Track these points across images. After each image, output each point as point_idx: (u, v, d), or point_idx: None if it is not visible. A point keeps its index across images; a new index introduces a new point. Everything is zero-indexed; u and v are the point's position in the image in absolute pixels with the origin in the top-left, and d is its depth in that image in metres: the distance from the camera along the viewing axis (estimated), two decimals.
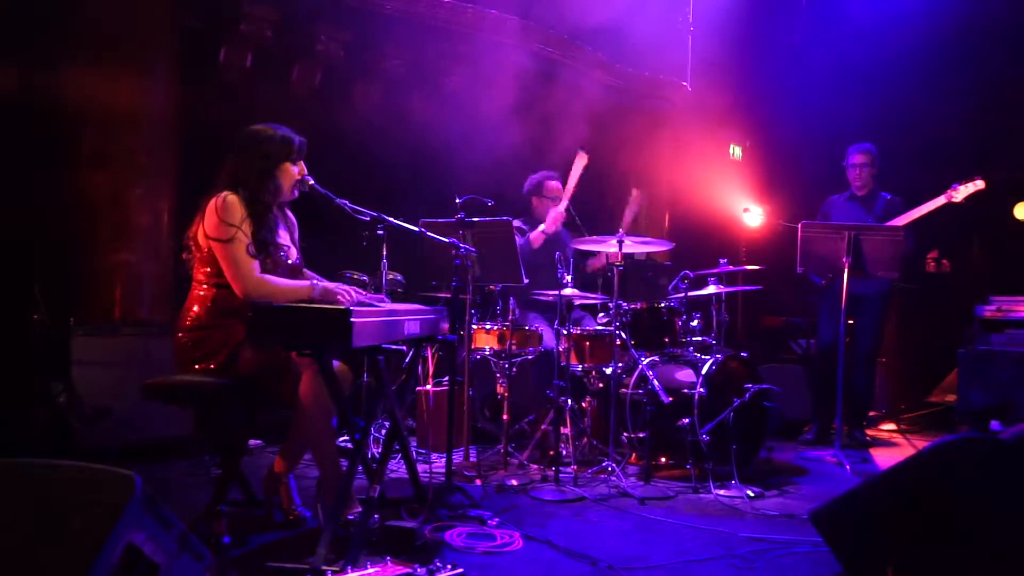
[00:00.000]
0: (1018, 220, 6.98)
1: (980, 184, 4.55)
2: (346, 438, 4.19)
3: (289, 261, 2.91)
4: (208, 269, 2.77)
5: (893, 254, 4.37)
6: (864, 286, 4.71)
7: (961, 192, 4.57)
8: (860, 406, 4.97)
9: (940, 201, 4.60)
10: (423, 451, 4.31)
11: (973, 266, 7.18)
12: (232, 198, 2.72)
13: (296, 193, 2.94)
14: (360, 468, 2.84)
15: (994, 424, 4.96)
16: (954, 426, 5.25)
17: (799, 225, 4.52)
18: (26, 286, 3.70)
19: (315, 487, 2.84)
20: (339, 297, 2.69)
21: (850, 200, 5.06)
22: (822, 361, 4.99)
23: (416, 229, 3.30)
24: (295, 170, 2.89)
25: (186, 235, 2.85)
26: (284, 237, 2.93)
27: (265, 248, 2.77)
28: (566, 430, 4.02)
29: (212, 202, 2.73)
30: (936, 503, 2.16)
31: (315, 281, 2.82)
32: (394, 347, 2.72)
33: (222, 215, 2.68)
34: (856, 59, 6.91)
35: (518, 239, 4.17)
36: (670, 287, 4.44)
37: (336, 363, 2.87)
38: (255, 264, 2.71)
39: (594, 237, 4.28)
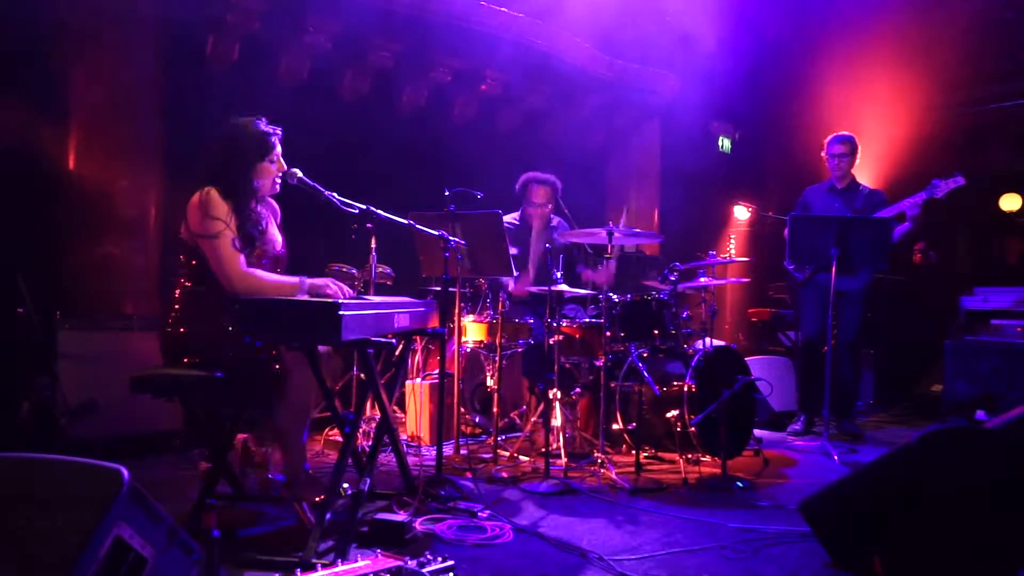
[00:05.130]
0: (1004, 211, 7.04)
1: (960, 181, 4.56)
2: (336, 431, 4.18)
3: (274, 251, 2.89)
4: (193, 263, 2.74)
5: (881, 246, 4.39)
6: (846, 281, 4.69)
7: (942, 189, 4.58)
8: (847, 397, 5.00)
9: (922, 196, 4.60)
10: (413, 444, 4.31)
11: (959, 257, 7.24)
12: (214, 193, 2.69)
13: (277, 188, 2.91)
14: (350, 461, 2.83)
15: (980, 414, 5.01)
16: (940, 416, 5.30)
17: (787, 218, 4.53)
18: (11, 279, 3.66)
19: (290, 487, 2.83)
20: (327, 291, 2.67)
21: (830, 192, 5.04)
22: (806, 354, 5.02)
23: (405, 222, 3.29)
24: (273, 167, 2.86)
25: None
26: (269, 225, 2.91)
27: (251, 242, 2.75)
28: (556, 422, 4.02)
29: (194, 198, 2.70)
30: (923, 492, 2.18)
31: (303, 277, 2.80)
32: (384, 340, 2.71)
33: (207, 210, 2.65)
34: (843, 50, 6.93)
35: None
36: (659, 279, 4.44)
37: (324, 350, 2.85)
38: (241, 258, 2.69)
39: (585, 230, 4.28)
